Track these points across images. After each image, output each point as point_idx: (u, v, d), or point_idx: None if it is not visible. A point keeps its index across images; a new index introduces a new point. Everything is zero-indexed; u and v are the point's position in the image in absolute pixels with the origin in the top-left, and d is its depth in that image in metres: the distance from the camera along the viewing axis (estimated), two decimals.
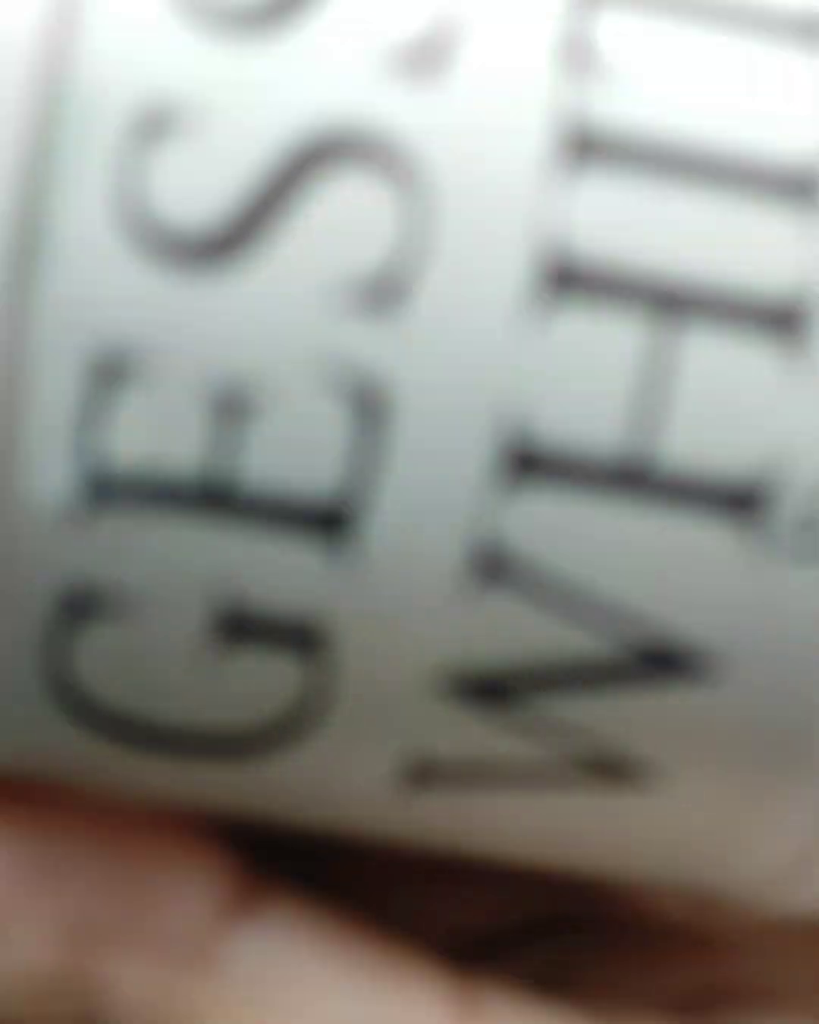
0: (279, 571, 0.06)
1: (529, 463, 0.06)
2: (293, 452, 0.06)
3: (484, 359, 0.06)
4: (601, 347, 0.06)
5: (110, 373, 0.06)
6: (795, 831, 0.08)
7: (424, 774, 0.07)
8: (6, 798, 0.07)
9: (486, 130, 0.06)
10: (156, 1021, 0.07)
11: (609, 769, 0.07)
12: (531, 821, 0.07)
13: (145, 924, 0.07)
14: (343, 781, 0.07)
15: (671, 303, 0.06)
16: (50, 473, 0.06)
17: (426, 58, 0.06)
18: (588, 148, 0.06)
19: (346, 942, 0.08)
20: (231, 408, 0.06)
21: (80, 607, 0.07)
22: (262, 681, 0.07)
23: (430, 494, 0.06)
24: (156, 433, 0.06)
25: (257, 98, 0.06)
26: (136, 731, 0.07)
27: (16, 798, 0.07)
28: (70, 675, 0.07)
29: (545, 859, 0.08)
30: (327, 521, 0.06)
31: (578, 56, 0.06)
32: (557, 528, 0.06)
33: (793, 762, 0.07)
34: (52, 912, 0.07)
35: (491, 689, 0.07)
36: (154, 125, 0.06)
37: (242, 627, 0.07)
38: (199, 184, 0.06)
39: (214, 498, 0.06)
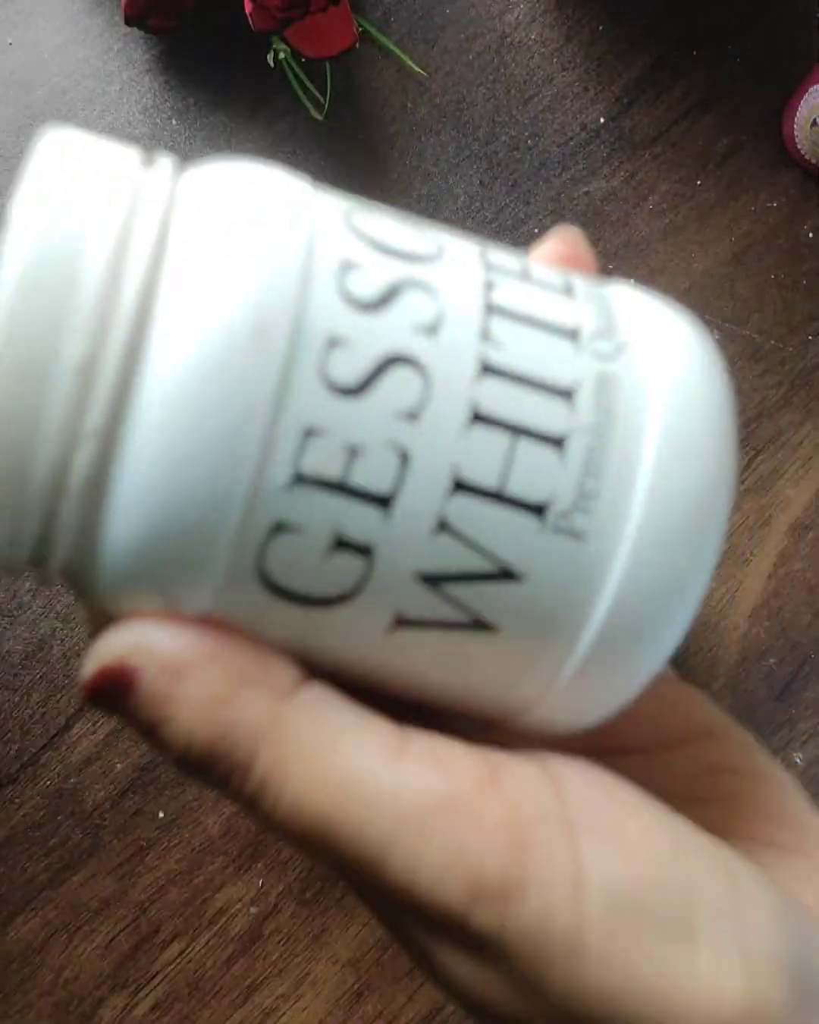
0: (361, 522, 0.14)
1: (460, 486, 0.14)
2: (372, 477, 0.14)
3: (444, 478, 0.14)
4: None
5: (307, 437, 0.14)
6: (540, 678, 0.15)
7: (399, 623, 0.15)
8: (212, 624, 0.15)
9: (455, 363, 0.14)
10: (265, 727, 0.14)
11: (477, 625, 0.15)
12: (439, 650, 0.15)
13: (267, 675, 0.15)
14: (364, 622, 0.15)
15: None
16: (276, 478, 0.14)
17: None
18: (489, 370, 0.14)
19: (348, 701, 0.15)
20: (353, 454, 0.14)
21: (274, 531, 0.14)
22: (346, 570, 0.14)
23: (417, 511, 0.14)
24: (325, 462, 0.14)
25: (374, 337, 0.14)
26: (288, 593, 0.14)
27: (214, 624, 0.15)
28: (263, 564, 0.14)
29: (435, 686, 0.16)
30: (383, 502, 0.14)
31: (486, 335, 0.15)
32: (470, 516, 0.14)
33: (548, 636, 0.15)
34: (227, 662, 0.14)
35: (436, 581, 0.14)
36: (331, 344, 0.14)
37: (341, 544, 0.14)
38: (349, 369, 0.14)
39: (341, 488, 0.14)
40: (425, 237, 0.15)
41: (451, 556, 0.14)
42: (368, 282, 0.14)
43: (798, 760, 0.42)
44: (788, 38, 0.45)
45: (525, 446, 0.14)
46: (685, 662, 0.42)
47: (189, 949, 0.40)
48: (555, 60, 0.45)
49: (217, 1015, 0.40)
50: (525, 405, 0.14)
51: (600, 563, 0.14)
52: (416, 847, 0.14)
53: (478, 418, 0.14)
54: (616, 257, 0.43)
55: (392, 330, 0.14)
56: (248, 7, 0.38)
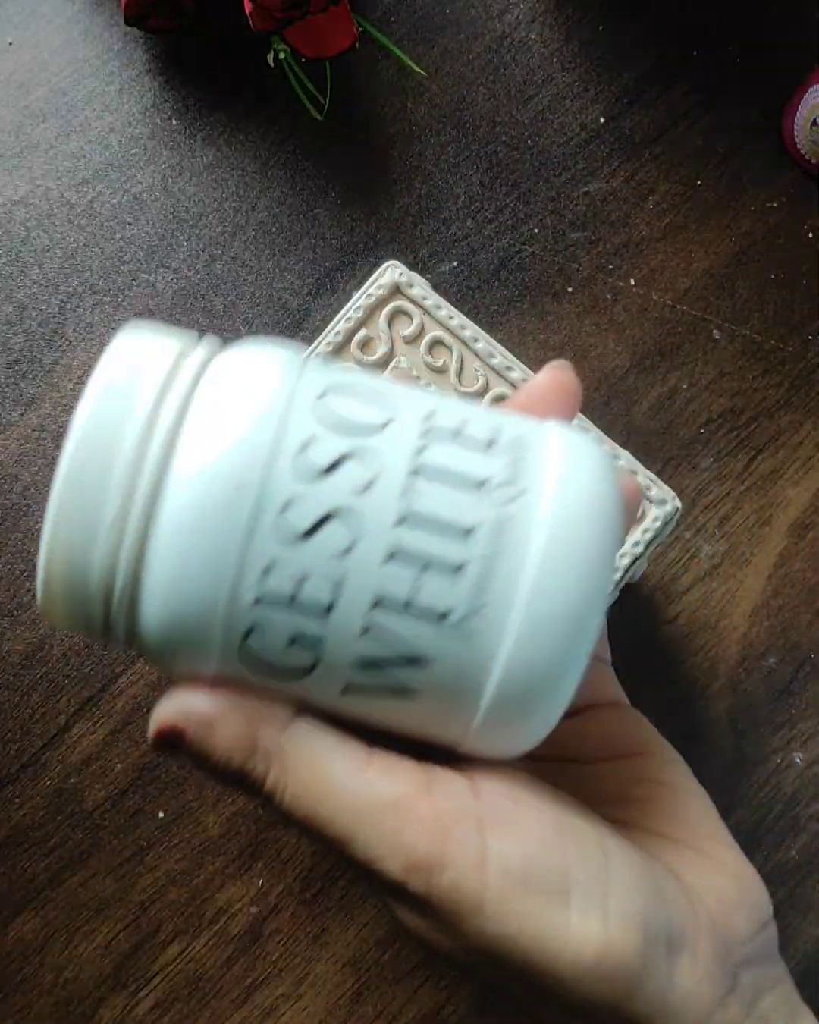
0: (309, 625, 0.19)
1: (379, 602, 0.19)
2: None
3: (368, 597, 0.20)
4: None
5: (266, 570, 0.19)
6: (458, 727, 0.21)
7: (347, 689, 0.20)
8: (225, 686, 0.21)
9: (380, 515, 0.19)
10: (272, 751, 0.21)
11: (404, 693, 0.20)
12: (380, 706, 0.20)
13: (269, 716, 0.21)
14: (322, 688, 0.20)
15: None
16: (245, 598, 0.19)
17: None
18: (405, 519, 0.19)
19: (329, 729, 0.21)
20: (300, 581, 0.19)
21: (248, 632, 0.19)
22: (303, 657, 0.20)
23: (348, 619, 0.19)
24: (280, 586, 0.19)
25: (318, 499, 0.19)
26: (265, 670, 0.20)
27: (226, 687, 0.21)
28: (244, 652, 0.20)
29: (385, 727, 0.21)
30: (324, 612, 0.19)
31: (407, 491, 0.19)
32: (387, 622, 0.19)
33: (456, 702, 0.20)
34: (242, 711, 0.21)
35: (367, 665, 0.20)
36: (286, 505, 0.19)
37: (295, 640, 0.20)
38: (299, 521, 0.19)
39: (292, 604, 0.19)
40: (379, 410, 0.20)
41: (376, 649, 0.19)
42: (320, 455, 0.19)
43: (798, 760, 0.42)
44: (788, 38, 0.45)
45: (431, 572, 0.19)
46: (685, 662, 0.42)
47: (189, 949, 0.40)
48: (555, 60, 0.45)
49: (217, 1015, 0.40)
50: (433, 543, 0.19)
51: (488, 654, 0.19)
52: (370, 834, 0.20)
53: (394, 554, 0.19)
54: (616, 257, 0.43)
55: (333, 492, 0.19)
56: (248, 7, 0.38)
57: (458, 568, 0.19)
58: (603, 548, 0.20)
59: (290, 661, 0.20)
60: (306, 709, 0.21)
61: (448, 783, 0.21)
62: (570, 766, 0.25)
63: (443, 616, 0.19)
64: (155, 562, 0.19)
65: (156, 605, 0.19)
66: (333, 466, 0.19)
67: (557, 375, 0.25)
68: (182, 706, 0.21)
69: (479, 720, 0.20)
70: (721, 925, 0.22)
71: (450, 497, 0.19)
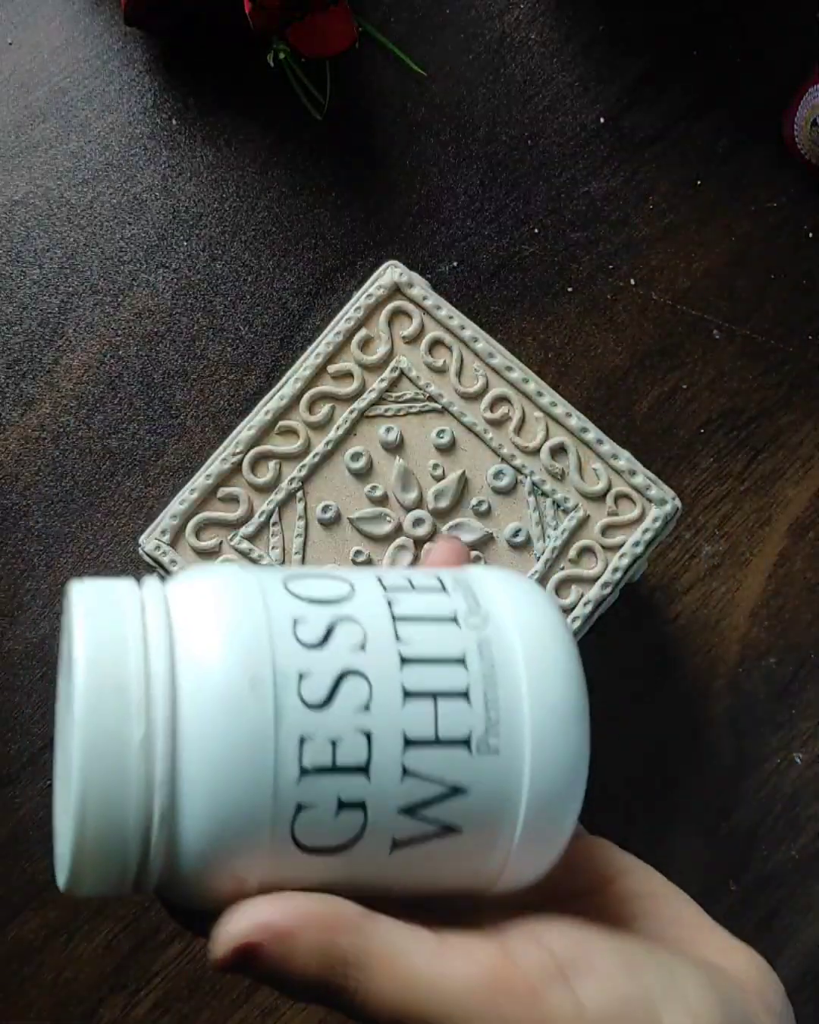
0: (352, 787, 0.20)
1: (410, 743, 0.21)
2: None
3: (398, 741, 0.21)
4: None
5: (302, 742, 0.20)
6: (499, 855, 0.22)
7: (395, 845, 0.21)
8: (271, 888, 0.21)
9: (384, 664, 0.21)
10: (352, 957, 0.20)
11: (447, 830, 0.21)
12: (426, 856, 0.21)
13: (341, 919, 0.20)
14: (371, 853, 0.21)
15: None
16: (290, 776, 0.20)
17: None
18: (406, 661, 0.21)
19: (394, 919, 0.21)
20: (335, 744, 0.20)
21: (297, 810, 0.20)
22: (351, 822, 0.20)
23: (387, 768, 0.20)
24: (318, 755, 0.20)
25: (326, 664, 0.20)
26: (316, 849, 0.20)
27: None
28: (295, 834, 0.20)
29: (429, 883, 0.22)
30: (364, 770, 0.20)
31: (398, 637, 0.22)
32: (423, 760, 0.21)
33: (496, 824, 0.21)
34: (317, 918, 0.20)
35: (412, 810, 0.21)
36: (301, 677, 0.20)
37: (343, 805, 0.20)
38: (317, 689, 0.20)
39: (333, 769, 0.20)
40: (339, 582, 0.22)
41: (417, 790, 0.20)
42: (313, 628, 0.21)
43: (798, 760, 0.42)
44: (788, 38, 0.45)
45: (444, 703, 0.21)
46: (685, 662, 0.42)
47: (189, 949, 0.40)
48: (555, 60, 0.45)
49: (217, 1015, 0.40)
50: (436, 676, 0.21)
51: (515, 765, 0.21)
52: (468, 1018, 0.20)
53: (408, 694, 0.21)
54: (616, 257, 0.43)
55: (337, 655, 0.20)
56: (248, 7, 0.38)
57: (464, 694, 0.21)
58: (568, 643, 0.22)
59: (341, 829, 0.20)
60: (356, 897, 0.21)
61: (521, 943, 0.22)
62: (567, 905, 0.25)
63: (466, 740, 0.21)
64: (192, 772, 0.19)
65: (202, 809, 0.19)
66: (328, 633, 0.21)
67: (450, 543, 0.31)
68: (255, 918, 0.20)
69: (518, 837, 0.21)
70: (768, 1003, 0.23)
71: (434, 633, 0.22)
